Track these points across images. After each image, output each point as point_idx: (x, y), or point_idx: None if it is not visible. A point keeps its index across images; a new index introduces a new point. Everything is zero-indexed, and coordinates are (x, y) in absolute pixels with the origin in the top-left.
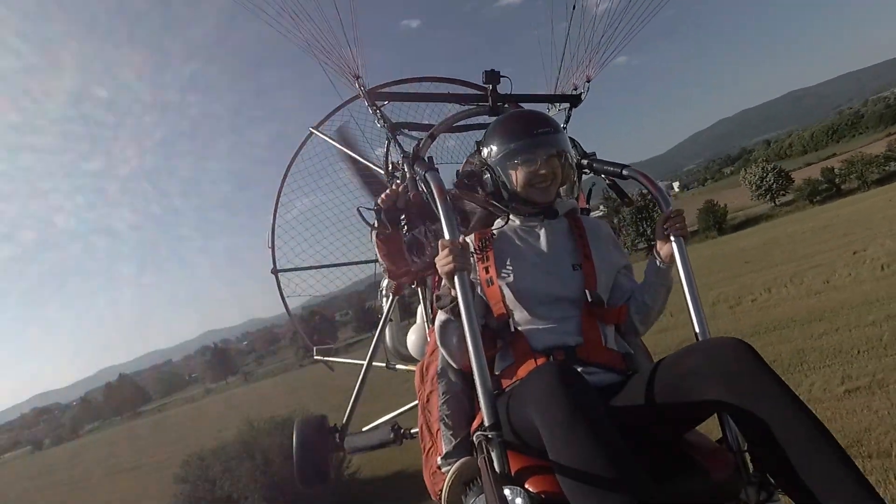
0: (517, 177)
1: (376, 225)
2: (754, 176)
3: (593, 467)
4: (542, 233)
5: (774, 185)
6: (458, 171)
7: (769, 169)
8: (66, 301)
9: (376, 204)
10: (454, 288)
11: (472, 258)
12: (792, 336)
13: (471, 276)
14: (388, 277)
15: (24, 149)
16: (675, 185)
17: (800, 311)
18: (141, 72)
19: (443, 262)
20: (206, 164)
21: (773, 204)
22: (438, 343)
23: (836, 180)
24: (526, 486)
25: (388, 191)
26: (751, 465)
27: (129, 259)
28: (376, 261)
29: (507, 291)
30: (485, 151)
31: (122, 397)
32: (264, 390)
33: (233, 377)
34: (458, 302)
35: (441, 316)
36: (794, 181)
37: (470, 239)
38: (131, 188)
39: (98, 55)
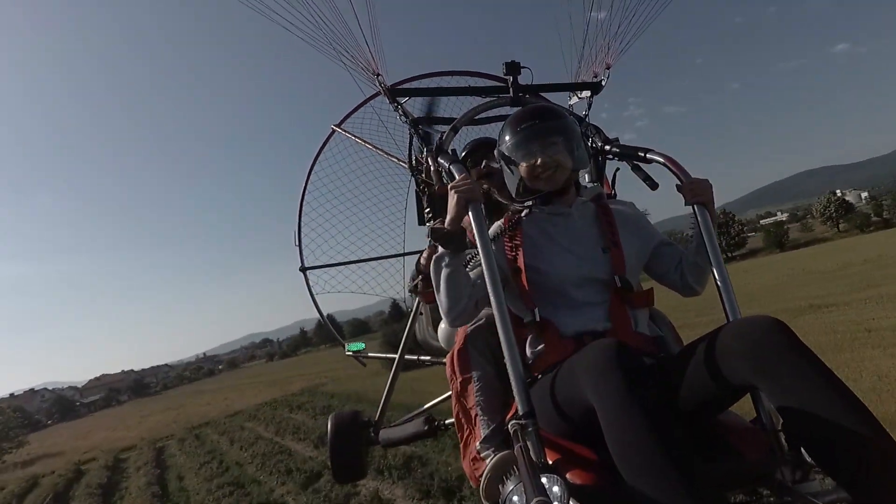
0: (522, 171)
1: (419, 287)
2: (820, 204)
3: (648, 449)
4: (570, 218)
5: (835, 214)
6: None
7: (833, 199)
8: (283, 259)
9: (417, 268)
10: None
11: (499, 240)
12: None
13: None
14: (426, 302)
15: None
16: (864, 195)
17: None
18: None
19: (462, 187)
20: None
21: (836, 230)
22: (433, 278)
23: (885, 214)
24: (563, 474)
25: (426, 255)
26: (785, 445)
27: None
28: (404, 255)
29: (536, 276)
30: (497, 150)
31: (326, 333)
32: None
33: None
34: (454, 238)
35: (438, 251)
36: (854, 210)
37: (498, 223)
38: None
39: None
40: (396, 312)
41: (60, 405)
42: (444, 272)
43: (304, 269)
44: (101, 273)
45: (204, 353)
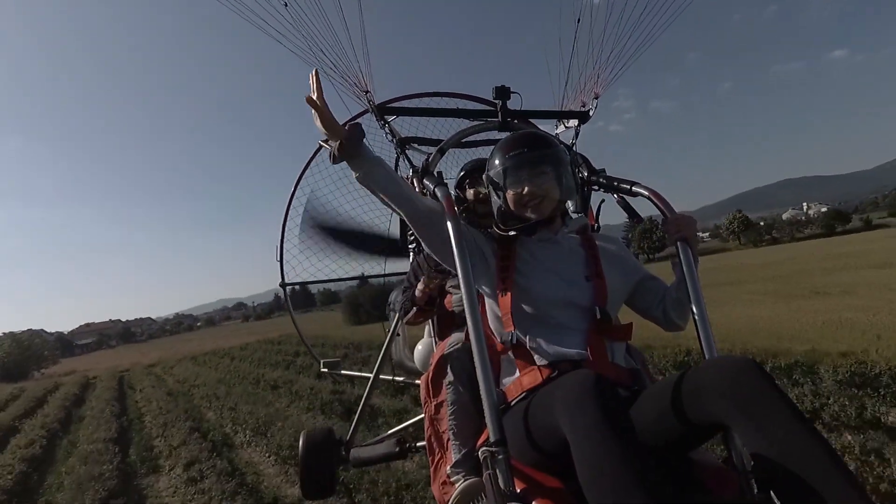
0: (509, 198)
1: (412, 314)
2: (726, 220)
3: (623, 479)
4: (556, 245)
5: (737, 229)
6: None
7: (736, 217)
8: (256, 227)
9: (411, 299)
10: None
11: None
12: None
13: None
14: (407, 323)
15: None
16: (823, 209)
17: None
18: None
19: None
20: None
21: (738, 242)
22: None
23: (774, 233)
24: (530, 503)
25: (421, 287)
26: (755, 486)
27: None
28: (384, 276)
29: (518, 296)
30: (486, 174)
31: (300, 300)
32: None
33: None
34: (347, 146)
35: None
36: (753, 225)
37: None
38: None
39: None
40: (362, 283)
41: (61, 343)
42: (375, 179)
43: (283, 286)
44: (73, 224)
45: (178, 313)
